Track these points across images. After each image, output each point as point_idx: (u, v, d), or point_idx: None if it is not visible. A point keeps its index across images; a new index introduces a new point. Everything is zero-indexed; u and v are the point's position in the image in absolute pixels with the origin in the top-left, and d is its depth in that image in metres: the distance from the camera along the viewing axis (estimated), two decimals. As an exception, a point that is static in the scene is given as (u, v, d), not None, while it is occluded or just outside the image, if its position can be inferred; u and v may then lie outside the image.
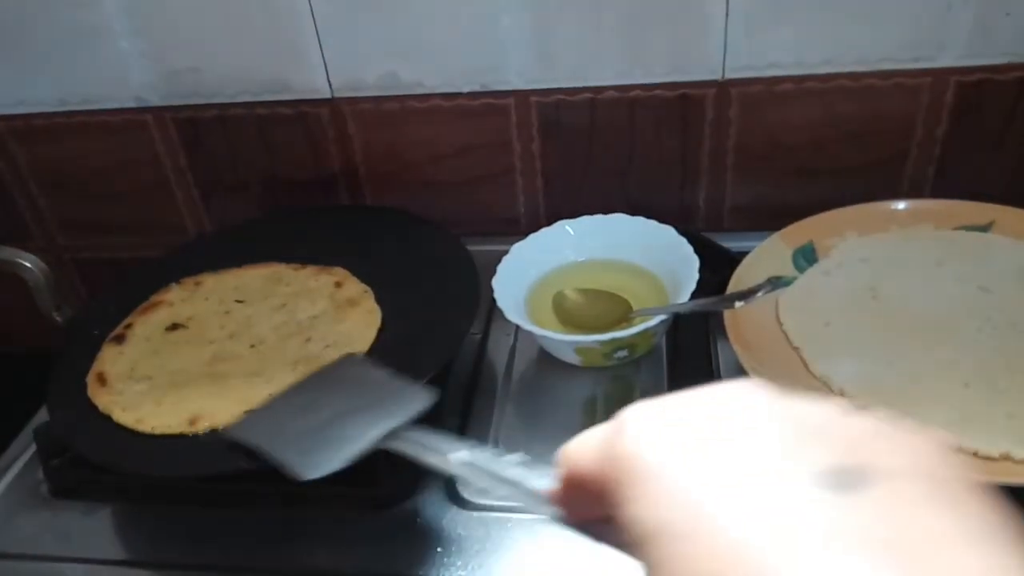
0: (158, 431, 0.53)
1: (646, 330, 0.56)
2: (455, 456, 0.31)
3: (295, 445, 0.43)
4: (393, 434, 0.38)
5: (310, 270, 0.66)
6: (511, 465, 0.27)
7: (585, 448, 0.23)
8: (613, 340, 0.55)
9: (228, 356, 0.59)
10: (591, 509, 0.23)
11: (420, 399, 0.42)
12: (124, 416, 0.54)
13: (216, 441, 0.52)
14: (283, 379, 0.52)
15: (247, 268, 0.67)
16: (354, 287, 0.63)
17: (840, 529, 0.17)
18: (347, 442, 0.40)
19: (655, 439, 0.20)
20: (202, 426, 0.53)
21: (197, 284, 0.66)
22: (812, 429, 0.19)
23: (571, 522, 0.25)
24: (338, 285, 0.64)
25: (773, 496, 0.18)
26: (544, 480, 0.25)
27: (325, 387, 0.48)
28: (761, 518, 0.17)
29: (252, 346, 0.59)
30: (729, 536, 0.17)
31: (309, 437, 0.43)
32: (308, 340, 0.59)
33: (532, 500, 0.26)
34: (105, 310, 0.66)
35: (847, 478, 0.17)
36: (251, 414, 0.50)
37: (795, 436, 0.19)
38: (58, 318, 0.65)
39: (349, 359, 0.52)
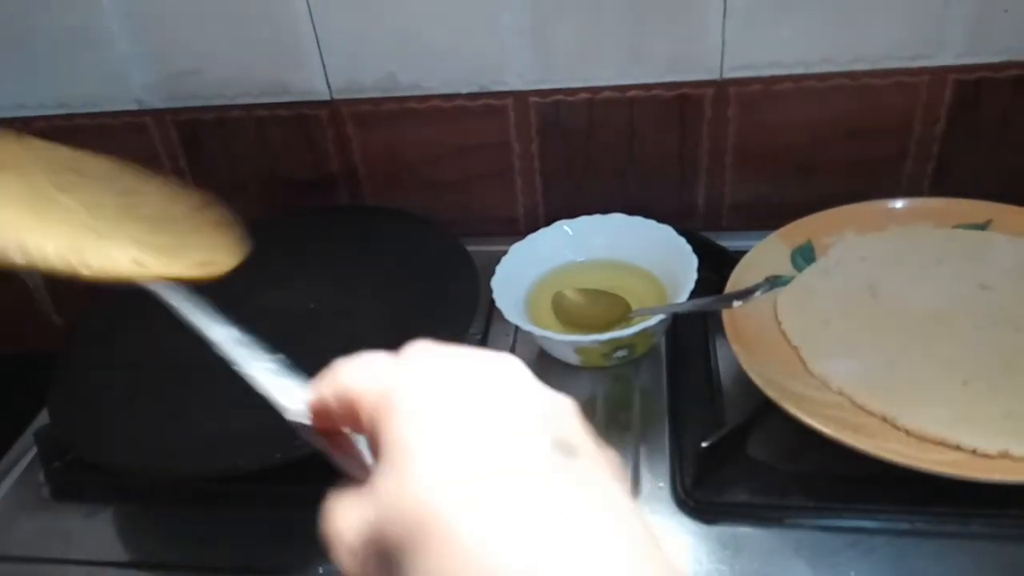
0: None
1: (645, 330, 0.56)
2: (220, 330, 0.31)
3: None
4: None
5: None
6: (266, 367, 0.29)
7: (359, 378, 0.25)
8: (612, 340, 0.55)
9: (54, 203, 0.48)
10: (339, 423, 0.25)
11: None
12: None
13: (219, 441, 0.52)
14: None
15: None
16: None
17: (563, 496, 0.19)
18: None
19: (422, 418, 0.22)
20: None
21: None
22: (541, 412, 0.22)
23: (313, 430, 0.26)
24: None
25: (508, 485, 0.20)
26: (296, 395, 0.26)
27: None
28: (496, 513, 0.19)
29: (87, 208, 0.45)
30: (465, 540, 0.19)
31: None
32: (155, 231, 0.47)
33: (278, 406, 0.27)
34: (105, 311, 0.66)
35: (566, 448, 0.21)
36: None
37: (532, 418, 0.22)
38: (58, 320, 0.65)
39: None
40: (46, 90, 0.76)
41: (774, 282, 0.57)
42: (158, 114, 0.77)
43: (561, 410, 0.23)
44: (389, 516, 0.20)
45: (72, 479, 0.56)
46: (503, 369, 0.23)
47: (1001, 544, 0.45)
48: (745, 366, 0.51)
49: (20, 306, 0.71)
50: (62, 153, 0.52)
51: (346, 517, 0.23)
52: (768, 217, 0.64)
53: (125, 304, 0.66)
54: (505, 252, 0.64)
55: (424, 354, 0.24)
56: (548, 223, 0.67)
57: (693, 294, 0.57)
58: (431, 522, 0.19)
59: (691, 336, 0.61)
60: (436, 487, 0.20)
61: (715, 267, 0.62)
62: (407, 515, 0.20)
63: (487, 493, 0.19)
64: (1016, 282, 0.57)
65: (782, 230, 0.63)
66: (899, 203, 0.64)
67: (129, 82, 0.75)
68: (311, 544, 0.49)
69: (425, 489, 0.20)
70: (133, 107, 0.76)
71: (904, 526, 0.46)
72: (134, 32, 0.72)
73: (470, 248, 0.65)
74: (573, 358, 0.59)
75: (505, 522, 0.19)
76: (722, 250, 0.65)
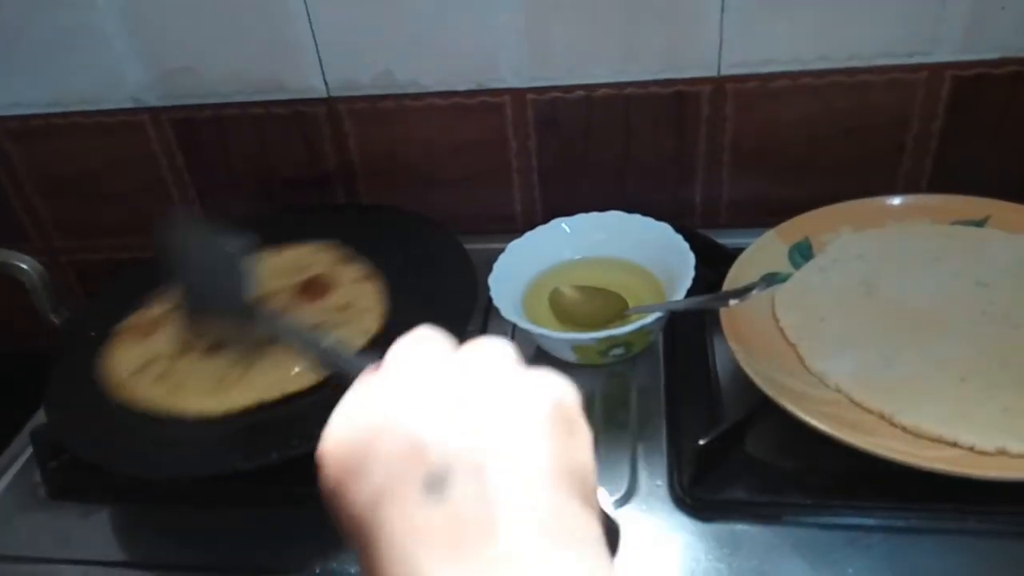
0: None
1: (641, 328, 0.56)
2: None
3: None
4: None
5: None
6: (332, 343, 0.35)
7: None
8: (608, 338, 0.55)
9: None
10: None
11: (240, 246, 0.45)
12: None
13: (215, 440, 0.52)
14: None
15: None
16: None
17: (432, 530, 0.22)
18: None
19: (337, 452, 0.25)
20: None
21: None
22: (420, 440, 0.23)
23: None
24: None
25: (396, 511, 0.22)
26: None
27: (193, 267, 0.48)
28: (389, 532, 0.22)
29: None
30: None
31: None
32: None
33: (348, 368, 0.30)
34: (102, 310, 0.66)
35: (437, 483, 0.22)
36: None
37: (410, 447, 0.23)
38: (55, 320, 0.65)
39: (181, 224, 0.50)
40: (42, 88, 0.76)
41: (772, 279, 0.57)
42: (154, 112, 0.76)
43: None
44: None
45: (69, 479, 0.56)
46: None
47: (998, 540, 0.45)
48: (743, 363, 0.51)
49: (17, 305, 0.71)
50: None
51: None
52: (766, 214, 0.64)
53: (122, 303, 0.66)
54: (503, 250, 0.64)
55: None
56: (546, 221, 0.67)
57: (691, 291, 0.57)
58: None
59: (689, 333, 0.61)
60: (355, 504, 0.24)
61: (713, 264, 0.62)
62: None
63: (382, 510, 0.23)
64: (1013, 279, 0.57)
65: (780, 227, 0.63)
66: (897, 200, 0.64)
67: (125, 80, 0.75)
68: (308, 543, 0.50)
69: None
70: (129, 105, 0.76)
71: (901, 523, 0.46)
72: (130, 30, 0.72)
73: (468, 246, 0.64)
74: (570, 355, 0.59)
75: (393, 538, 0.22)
76: (720, 247, 0.65)
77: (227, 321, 0.46)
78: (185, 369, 0.57)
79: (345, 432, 0.25)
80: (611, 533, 0.25)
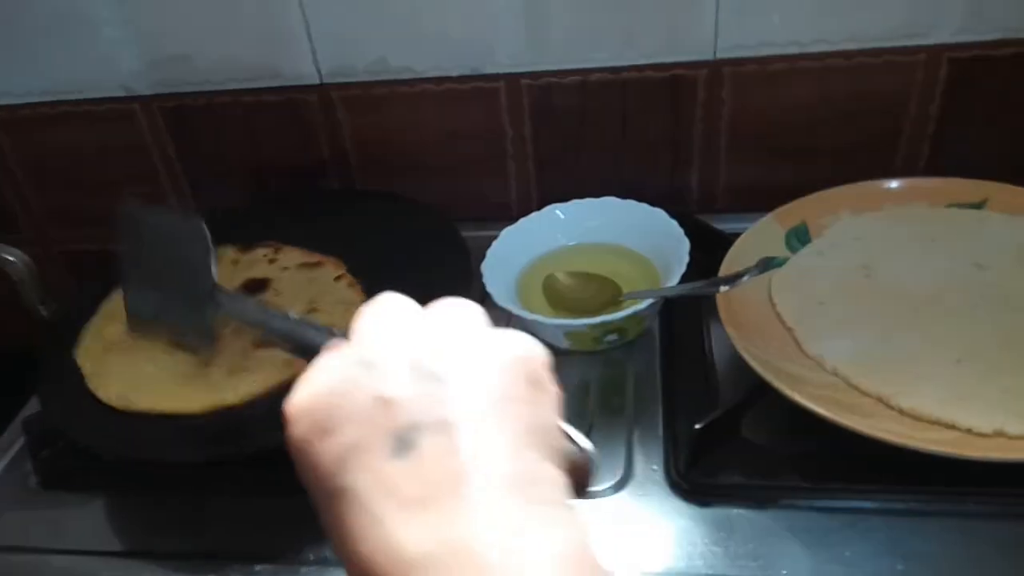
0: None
1: (635, 314, 0.55)
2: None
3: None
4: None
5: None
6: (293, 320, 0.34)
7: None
8: (602, 324, 0.55)
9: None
10: None
11: (201, 235, 0.44)
12: None
13: (209, 427, 0.52)
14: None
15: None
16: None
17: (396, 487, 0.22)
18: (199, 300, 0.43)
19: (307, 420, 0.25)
20: None
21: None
22: (389, 398, 0.24)
23: None
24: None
25: (363, 470, 0.22)
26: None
27: (143, 254, 0.48)
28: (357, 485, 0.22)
29: None
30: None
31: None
32: None
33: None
34: (92, 301, 0.66)
35: (405, 439, 0.22)
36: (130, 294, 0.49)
37: (378, 405, 0.24)
38: (43, 312, 0.64)
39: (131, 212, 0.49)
40: (31, 77, 0.76)
41: (765, 264, 0.57)
42: (145, 100, 0.76)
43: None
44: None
45: (61, 468, 0.56)
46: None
47: (996, 522, 0.45)
48: (739, 348, 0.50)
49: (4, 299, 0.70)
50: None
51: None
52: (763, 199, 0.64)
53: (111, 292, 0.66)
54: (498, 236, 0.63)
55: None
56: (541, 207, 0.67)
57: (688, 276, 0.56)
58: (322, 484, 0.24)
59: (685, 318, 0.60)
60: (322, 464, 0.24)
61: (710, 250, 0.61)
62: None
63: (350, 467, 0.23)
64: (1011, 261, 0.56)
65: (776, 212, 0.62)
66: (894, 183, 0.64)
67: (116, 68, 0.74)
68: (302, 530, 0.50)
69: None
70: (120, 94, 0.75)
71: (899, 506, 0.46)
72: (120, 17, 0.71)
73: (464, 233, 0.64)
74: (563, 342, 0.58)
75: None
76: (717, 232, 0.65)
77: (182, 307, 0.45)
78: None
79: (314, 388, 0.25)
80: (579, 470, 0.26)
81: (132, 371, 0.57)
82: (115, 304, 0.63)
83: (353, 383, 0.24)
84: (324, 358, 0.26)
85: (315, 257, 0.66)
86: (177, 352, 0.57)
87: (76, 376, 0.58)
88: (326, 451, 0.23)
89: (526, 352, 0.26)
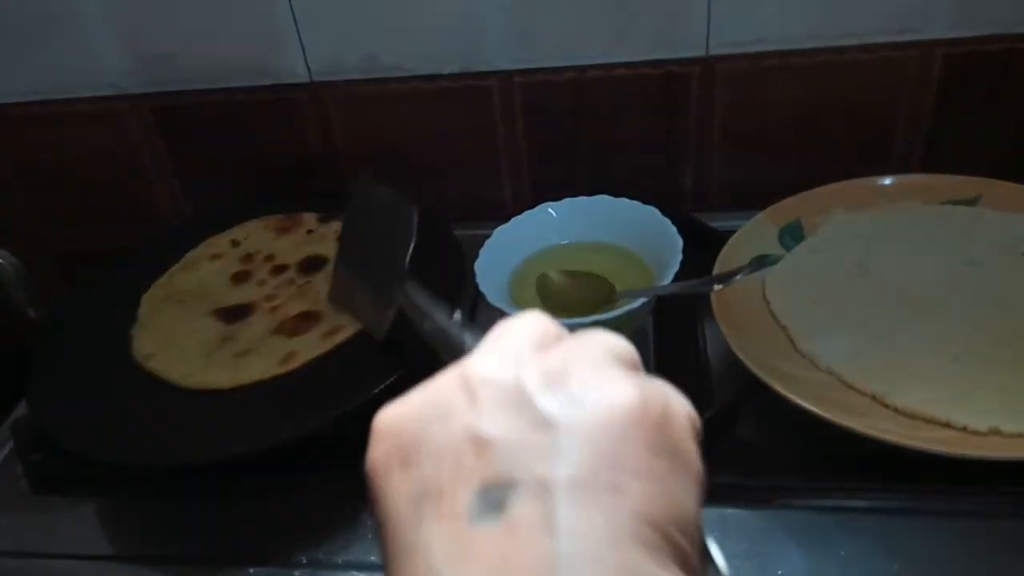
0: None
1: (628, 313, 0.55)
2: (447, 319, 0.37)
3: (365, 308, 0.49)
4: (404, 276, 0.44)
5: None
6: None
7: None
8: (596, 323, 0.54)
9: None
10: None
11: (407, 223, 0.47)
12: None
13: (201, 431, 0.51)
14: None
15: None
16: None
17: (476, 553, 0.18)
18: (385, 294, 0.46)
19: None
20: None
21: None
22: (485, 437, 0.20)
23: None
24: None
25: (440, 523, 0.19)
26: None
27: (360, 229, 0.52)
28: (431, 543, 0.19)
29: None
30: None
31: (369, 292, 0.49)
32: None
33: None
34: (83, 303, 0.65)
35: (494, 495, 0.19)
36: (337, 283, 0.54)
37: (472, 443, 0.20)
38: (32, 313, 0.63)
39: (363, 186, 0.53)
40: (19, 76, 0.75)
41: (759, 263, 0.57)
42: (134, 100, 0.75)
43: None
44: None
45: (51, 471, 0.55)
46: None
47: (992, 521, 0.45)
48: (734, 346, 0.50)
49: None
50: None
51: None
52: (756, 196, 0.64)
53: (103, 294, 0.65)
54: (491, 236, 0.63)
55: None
56: (535, 206, 0.66)
57: (681, 275, 0.56)
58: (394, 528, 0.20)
59: (679, 317, 0.60)
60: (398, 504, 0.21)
61: (704, 248, 0.61)
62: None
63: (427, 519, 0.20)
64: (1005, 258, 0.56)
65: (770, 209, 0.62)
66: (888, 180, 0.63)
67: (104, 67, 0.73)
68: (295, 533, 0.49)
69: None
70: (109, 92, 0.75)
71: (894, 504, 0.46)
72: (107, 15, 0.70)
73: (458, 232, 0.64)
74: (559, 341, 0.58)
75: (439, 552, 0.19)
76: (711, 230, 0.65)
77: (372, 287, 0.48)
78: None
79: (407, 407, 0.21)
80: None
81: (171, 329, 0.59)
82: (199, 253, 0.67)
83: (448, 409, 0.21)
84: (442, 374, 0.22)
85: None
86: (212, 320, 0.60)
87: (66, 379, 0.57)
88: (401, 486, 0.20)
89: (667, 408, 0.21)
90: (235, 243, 0.68)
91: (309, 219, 0.69)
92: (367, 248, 0.49)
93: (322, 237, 0.67)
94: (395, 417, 0.21)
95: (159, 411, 0.54)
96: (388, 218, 0.48)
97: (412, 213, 0.46)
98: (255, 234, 0.69)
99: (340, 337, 0.55)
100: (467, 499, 0.19)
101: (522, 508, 0.18)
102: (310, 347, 0.55)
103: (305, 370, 0.54)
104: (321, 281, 0.61)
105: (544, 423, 0.19)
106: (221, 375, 0.55)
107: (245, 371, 0.54)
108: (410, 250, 0.45)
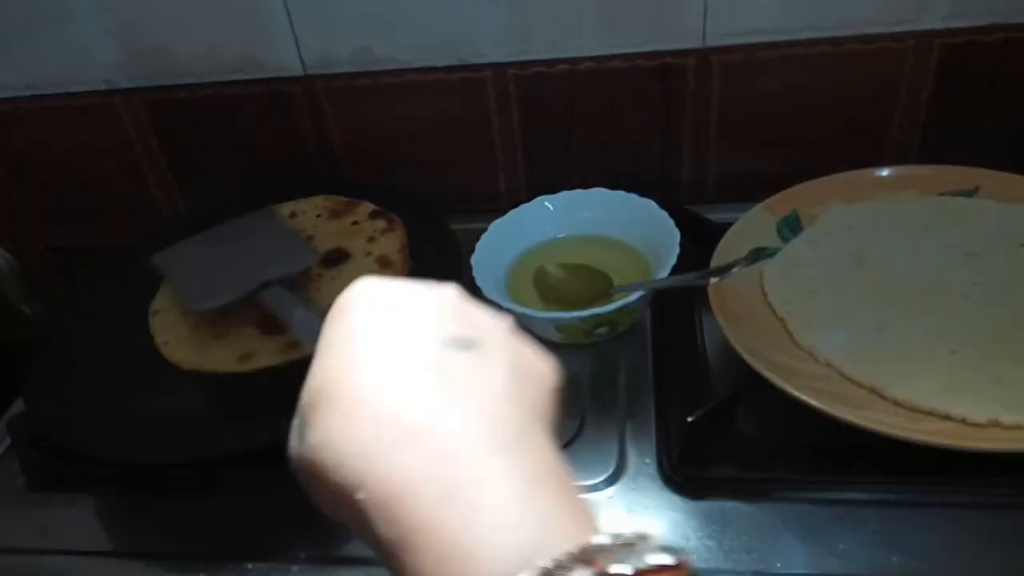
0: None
1: (625, 306, 0.55)
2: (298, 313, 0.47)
3: (197, 280, 0.57)
4: (268, 284, 0.53)
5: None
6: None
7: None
8: (593, 316, 0.54)
9: None
10: None
11: (303, 259, 0.58)
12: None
13: (196, 427, 0.51)
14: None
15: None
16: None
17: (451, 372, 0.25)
18: (234, 286, 0.54)
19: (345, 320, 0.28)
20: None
21: None
22: (441, 311, 0.27)
23: None
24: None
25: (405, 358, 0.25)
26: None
27: (241, 232, 0.62)
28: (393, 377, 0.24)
29: None
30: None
31: (210, 276, 0.56)
32: None
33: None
34: (79, 299, 0.65)
35: (462, 343, 0.26)
36: (177, 247, 0.61)
37: (434, 315, 0.27)
38: (27, 310, 0.63)
39: (267, 209, 0.65)
40: (11, 71, 0.74)
41: (758, 255, 0.57)
42: (127, 94, 0.74)
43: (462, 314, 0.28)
44: (307, 386, 0.26)
45: (48, 468, 0.55)
46: (434, 293, 0.29)
47: (991, 513, 0.45)
48: (731, 339, 0.50)
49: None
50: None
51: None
52: (754, 188, 0.63)
53: (99, 292, 0.65)
54: (487, 229, 0.63)
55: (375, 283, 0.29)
56: (531, 199, 0.66)
57: (678, 267, 0.56)
58: (330, 388, 0.25)
59: (676, 310, 0.60)
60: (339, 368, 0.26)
61: (701, 240, 0.61)
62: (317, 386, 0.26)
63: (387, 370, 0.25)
64: (1004, 249, 0.56)
65: (767, 201, 0.62)
66: (886, 171, 0.63)
67: (96, 61, 0.73)
68: (292, 529, 0.49)
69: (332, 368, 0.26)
70: (101, 87, 0.74)
71: (894, 497, 0.46)
72: (99, 9, 0.70)
73: (454, 226, 0.63)
74: (554, 335, 0.58)
75: (392, 390, 0.24)
76: (708, 223, 0.64)
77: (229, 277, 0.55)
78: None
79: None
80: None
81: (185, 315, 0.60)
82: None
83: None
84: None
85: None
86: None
87: (62, 376, 0.57)
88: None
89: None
90: (293, 215, 0.69)
91: (363, 210, 0.68)
92: (237, 247, 0.59)
93: (361, 231, 0.65)
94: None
95: (156, 408, 0.53)
96: (276, 240, 0.60)
97: (312, 257, 0.59)
98: (311, 211, 0.69)
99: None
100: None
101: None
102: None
103: (305, 362, 0.53)
104: (335, 275, 0.61)
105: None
106: (202, 359, 0.56)
107: (211, 361, 0.56)
108: (293, 274, 0.56)
